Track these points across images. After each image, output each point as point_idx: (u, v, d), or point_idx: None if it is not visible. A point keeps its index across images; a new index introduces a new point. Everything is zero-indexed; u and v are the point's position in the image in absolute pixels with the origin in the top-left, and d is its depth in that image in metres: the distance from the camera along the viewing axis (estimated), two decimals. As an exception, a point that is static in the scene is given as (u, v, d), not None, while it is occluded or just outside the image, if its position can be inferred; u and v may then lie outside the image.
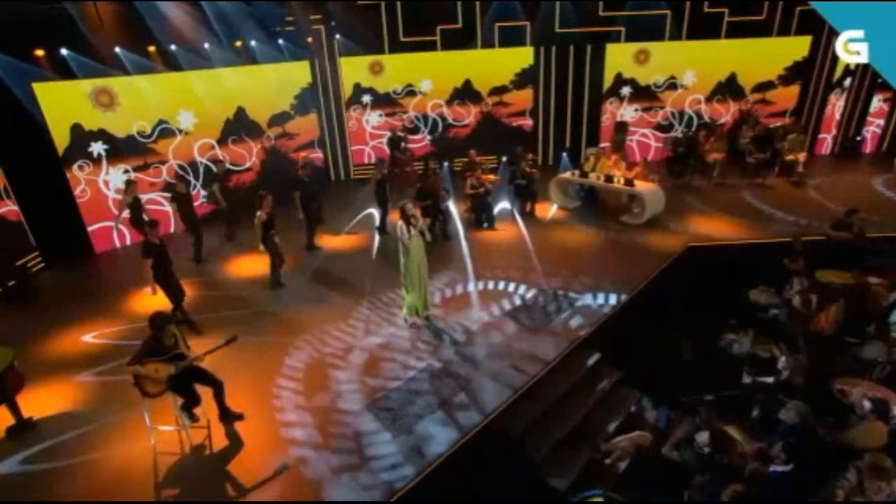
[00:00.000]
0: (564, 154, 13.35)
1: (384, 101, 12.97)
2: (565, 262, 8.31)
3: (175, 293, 6.89)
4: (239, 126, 11.14)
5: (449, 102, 13.15)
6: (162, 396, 4.91)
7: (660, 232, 9.31)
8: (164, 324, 4.80)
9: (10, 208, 8.55)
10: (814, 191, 11.17)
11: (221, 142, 11.04)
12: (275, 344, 6.53)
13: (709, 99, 13.57)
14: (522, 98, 13.40)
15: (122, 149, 9.55)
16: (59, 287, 8.50)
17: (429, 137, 13.30)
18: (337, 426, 5.25)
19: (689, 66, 13.15)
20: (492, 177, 10.43)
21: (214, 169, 10.12)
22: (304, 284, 8.12)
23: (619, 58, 13.02)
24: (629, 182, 9.96)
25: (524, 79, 13.06)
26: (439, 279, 7.97)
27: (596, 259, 8.49)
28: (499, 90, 13.14)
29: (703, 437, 4.85)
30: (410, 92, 12.99)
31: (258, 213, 7.52)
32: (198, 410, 5.22)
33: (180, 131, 10.35)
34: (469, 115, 13.28)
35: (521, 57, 12.95)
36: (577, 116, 13.48)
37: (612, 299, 7.21)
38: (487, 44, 12.63)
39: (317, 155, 12.58)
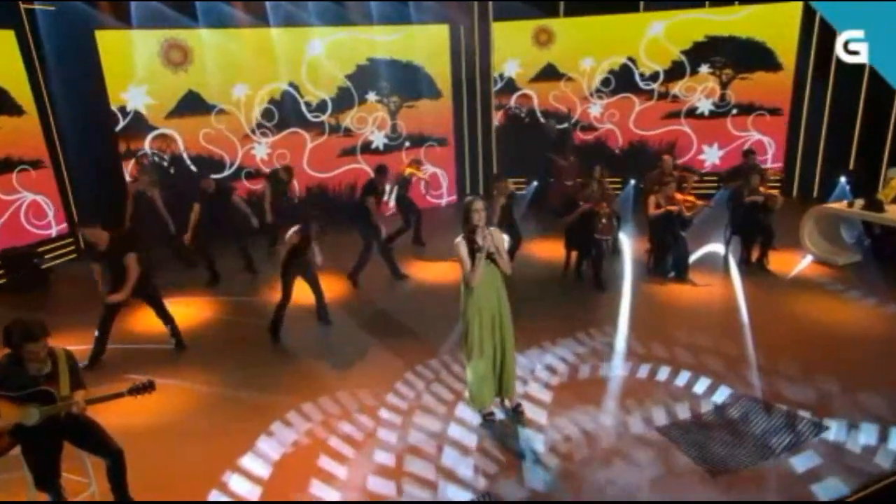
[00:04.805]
0: (843, 178, 10.64)
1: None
2: (816, 358, 6.19)
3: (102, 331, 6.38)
4: (282, 113, 10.74)
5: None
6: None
7: None
8: (26, 339, 3.70)
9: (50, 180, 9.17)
10: None
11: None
12: (270, 404, 5.66)
13: None
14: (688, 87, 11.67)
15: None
16: (71, 282, 8.75)
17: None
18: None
19: None
20: (692, 198, 8.41)
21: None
22: (357, 325, 7.41)
23: None
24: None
25: (700, 55, 11.36)
26: (565, 347, 6.54)
27: (882, 360, 6.20)
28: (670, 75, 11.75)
29: None
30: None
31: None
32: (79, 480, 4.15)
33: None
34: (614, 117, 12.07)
35: (770, 16, 10.86)
36: (877, 116, 10.43)
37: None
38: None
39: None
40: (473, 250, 4.74)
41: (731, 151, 11.63)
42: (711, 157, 11.79)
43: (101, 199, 9.26)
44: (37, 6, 8.53)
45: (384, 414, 5.39)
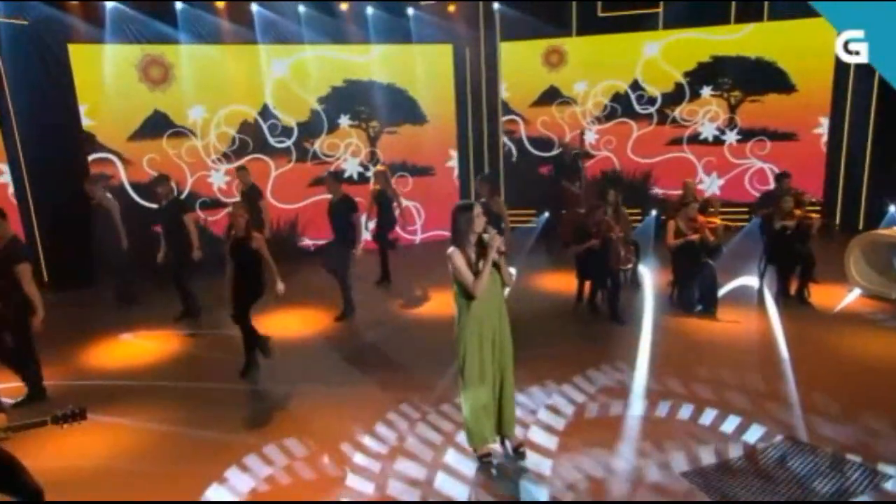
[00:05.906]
0: (893, 207, 10.32)
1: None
2: (868, 399, 5.66)
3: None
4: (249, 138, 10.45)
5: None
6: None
7: None
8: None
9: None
10: None
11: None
12: (230, 444, 5.26)
13: None
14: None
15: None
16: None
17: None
18: None
19: None
20: (716, 220, 8.00)
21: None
22: (339, 359, 7.06)
23: None
24: None
25: (700, 77, 11.26)
26: (577, 383, 6.11)
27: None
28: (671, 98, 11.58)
29: None
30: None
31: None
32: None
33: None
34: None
35: (779, 34, 10.65)
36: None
37: None
38: (751, 15, 10.71)
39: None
40: (478, 258, 4.49)
41: (745, 177, 11.39)
42: (711, 185, 11.49)
43: (67, 221, 9.03)
44: (2, 20, 8.43)
45: (359, 459, 4.93)
